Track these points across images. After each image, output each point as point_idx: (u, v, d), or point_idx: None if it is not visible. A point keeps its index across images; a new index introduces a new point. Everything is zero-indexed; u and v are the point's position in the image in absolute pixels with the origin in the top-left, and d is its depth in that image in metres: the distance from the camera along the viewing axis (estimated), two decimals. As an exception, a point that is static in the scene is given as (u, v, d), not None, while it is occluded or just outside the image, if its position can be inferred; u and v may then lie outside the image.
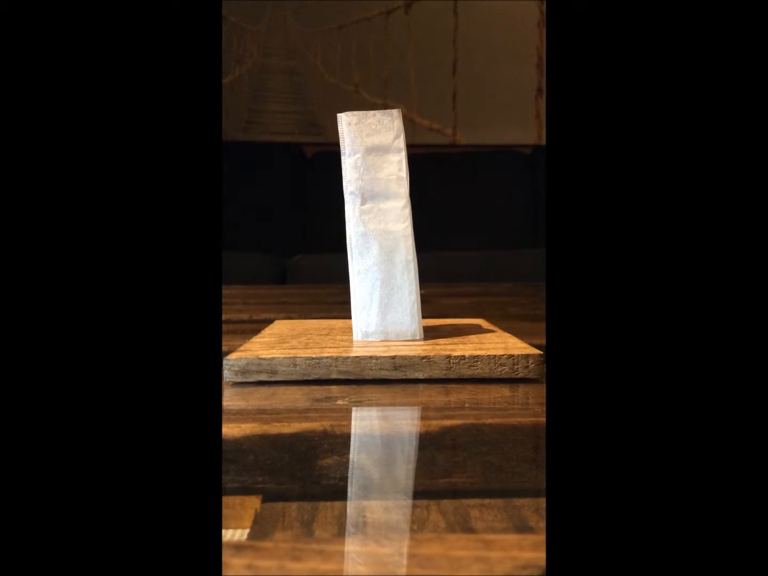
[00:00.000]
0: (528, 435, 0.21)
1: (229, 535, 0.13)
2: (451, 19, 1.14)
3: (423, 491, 0.16)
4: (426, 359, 0.28)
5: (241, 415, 0.23)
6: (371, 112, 0.30)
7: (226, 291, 0.21)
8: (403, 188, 0.31)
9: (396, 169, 0.31)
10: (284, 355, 0.28)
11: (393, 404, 0.25)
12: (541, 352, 0.28)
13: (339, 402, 0.25)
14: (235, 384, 0.27)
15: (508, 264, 1.08)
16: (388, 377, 0.28)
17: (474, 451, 0.19)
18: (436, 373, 0.28)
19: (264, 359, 0.27)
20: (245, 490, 0.16)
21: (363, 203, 0.31)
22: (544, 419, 0.22)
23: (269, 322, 0.39)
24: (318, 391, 0.26)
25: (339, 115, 0.31)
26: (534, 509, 0.15)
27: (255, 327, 0.37)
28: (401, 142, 0.31)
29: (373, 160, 0.31)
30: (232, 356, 0.28)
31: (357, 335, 0.31)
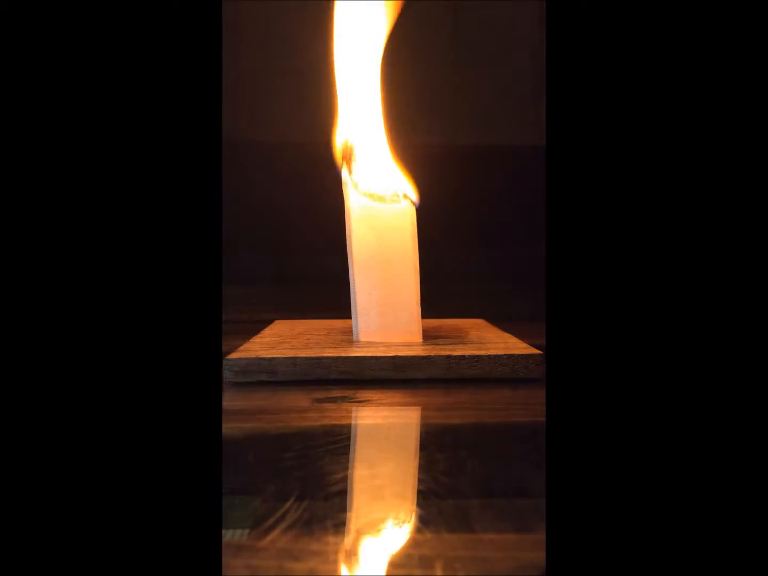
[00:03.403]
0: (528, 435, 0.21)
1: (229, 535, 0.13)
2: (451, 19, 1.14)
3: (423, 491, 0.16)
4: (426, 359, 0.28)
5: (241, 415, 0.23)
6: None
7: (226, 291, 0.21)
8: (405, 188, 0.31)
9: (398, 174, 0.31)
10: (284, 355, 0.28)
11: (393, 404, 0.25)
12: (541, 352, 0.28)
13: (339, 402, 0.25)
14: (235, 384, 0.27)
15: (508, 264, 1.08)
16: (388, 377, 0.28)
17: (474, 451, 0.19)
18: (436, 373, 0.28)
19: (264, 359, 0.27)
20: (245, 490, 0.16)
21: (364, 202, 0.31)
22: (544, 419, 0.22)
23: (269, 322, 0.39)
24: (318, 391, 0.26)
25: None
26: (534, 509, 0.15)
27: (255, 327, 0.37)
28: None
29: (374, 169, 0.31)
30: (232, 356, 0.28)
31: (357, 335, 0.31)
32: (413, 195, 0.31)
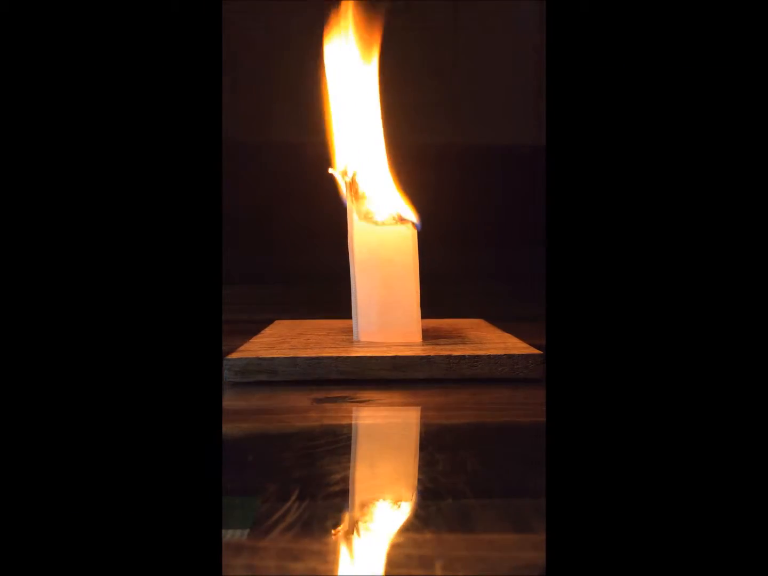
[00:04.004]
0: (528, 435, 0.21)
1: (229, 535, 0.13)
2: (451, 19, 1.13)
3: (423, 491, 0.16)
4: (426, 359, 0.28)
5: (241, 415, 0.23)
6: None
7: (226, 291, 0.21)
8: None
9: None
10: (284, 355, 0.28)
11: (393, 404, 0.25)
12: (541, 352, 0.28)
13: (339, 402, 0.25)
14: (235, 384, 0.27)
15: (508, 264, 1.08)
16: (388, 377, 0.28)
17: (474, 451, 0.19)
18: (436, 373, 0.28)
19: (264, 359, 0.27)
20: (245, 490, 0.16)
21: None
22: (544, 419, 0.22)
23: (269, 322, 0.39)
24: (318, 391, 0.26)
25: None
26: (534, 509, 0.15)
27: (255, 327, 0.37)
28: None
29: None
30: (232, 356, 0.28)
31: (357, 335, 0.31)
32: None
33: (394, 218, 0.30)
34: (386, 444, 0.21)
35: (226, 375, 0.27)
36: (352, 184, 0.30)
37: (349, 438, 0.21)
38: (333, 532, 0.13)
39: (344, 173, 0.30)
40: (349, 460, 0.18)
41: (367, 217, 0.30)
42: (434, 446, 0.19)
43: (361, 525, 0.14)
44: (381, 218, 0.30)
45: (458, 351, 0.28)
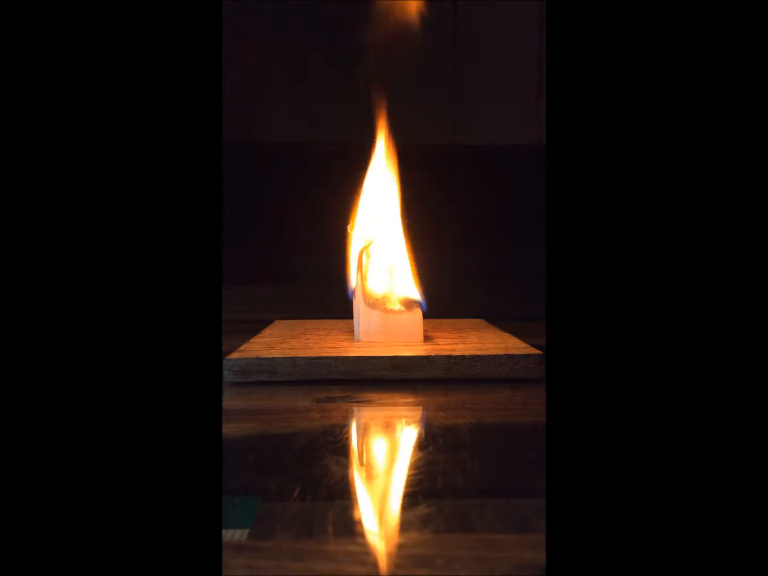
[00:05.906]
0: (528, 435, 0.21)
1: (229, 535, 0.13)
2: (451, 19, 1.14)
3: (423, 491, 0.16)
4: (426, 359, 0.28)
5: (241, 415, 0.23)
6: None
7: (226, 291, 0.21)
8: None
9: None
10: (284, 355, 0.28)
11: (393, 404, 0.25)
12: (541, 352, 0.28)
13: (339, 402, 0.25)
14: (235, 384, 0.27)
15: (508, 263, 1.08)
16: (388, 377, 0.28)
17: (474, 451, 0.19)
18: (436, 373, 0.28)
19: (264, 359, 0.27)
20: (245, 490, 0.16)
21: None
22: (544, 419, 0.22)
23: (269, 322, 0.39)
24: (318, 391, 0.26)
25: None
26: (534, 509, 0.15)
27: (255, 327, 0.37)
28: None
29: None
30: (232, 356, 0.28)
31: (357, 335, 0.31)
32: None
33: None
34: (386, 443, 0.21)
35: (226, 375, 0.27)
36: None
37: (349, 438, 0.21)
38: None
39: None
40: (349, 460, 0.18)
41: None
42: (434, 446, 0.19)
43: (361, 527, 0.14)
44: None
45: (458, 351, 0.28)
